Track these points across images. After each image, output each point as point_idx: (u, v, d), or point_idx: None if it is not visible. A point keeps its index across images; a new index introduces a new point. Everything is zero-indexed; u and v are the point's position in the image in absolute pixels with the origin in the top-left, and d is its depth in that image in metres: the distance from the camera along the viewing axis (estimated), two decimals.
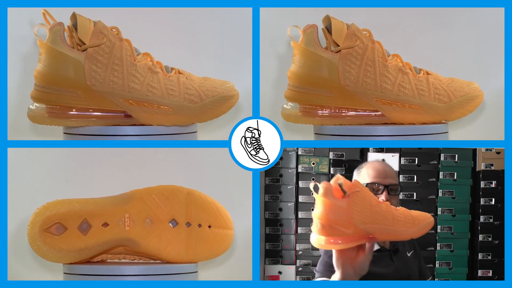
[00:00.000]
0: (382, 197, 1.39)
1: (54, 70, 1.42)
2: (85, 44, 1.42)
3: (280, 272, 2.03)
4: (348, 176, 1.27)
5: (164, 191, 1.48)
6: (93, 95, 1.42)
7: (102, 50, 1.41)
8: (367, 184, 1.40)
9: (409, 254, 1.46)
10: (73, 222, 1.44)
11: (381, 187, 1.39)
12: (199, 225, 1.48)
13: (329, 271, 1.32)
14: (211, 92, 1.45)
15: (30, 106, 1.46)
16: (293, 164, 2.02)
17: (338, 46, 1.46)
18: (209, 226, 1.49)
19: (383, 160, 1.97)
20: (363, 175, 1.42)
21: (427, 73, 1.50)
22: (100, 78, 1.41)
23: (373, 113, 1.50)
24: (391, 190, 1.40)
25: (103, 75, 1.41)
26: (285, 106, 1.52)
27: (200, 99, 1.45)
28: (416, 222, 1.17)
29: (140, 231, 1.46)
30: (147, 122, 1.44)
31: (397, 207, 1.18)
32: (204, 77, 1.49)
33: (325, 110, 1.50)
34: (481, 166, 2.02)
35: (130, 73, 1.42)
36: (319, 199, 1.12)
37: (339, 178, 1.14)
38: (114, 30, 1.44)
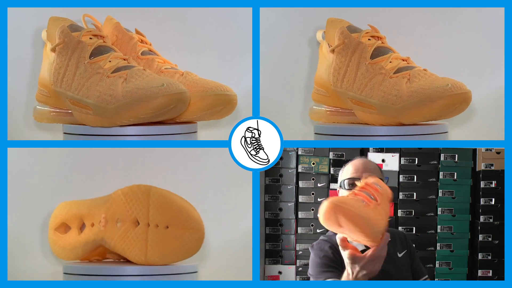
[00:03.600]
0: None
1: (41, 73, 1.49)
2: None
3: (280, 272, 2.03)
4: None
5: (130, 191, 1.47)
6: (54, 95, 1.46)
7: (60, 53, 1.44)
8: (346, 179, 1.37)
9: (400, 255, 1.44)
10: (75, 223, 1.53)
11: (358, 182, 1.35)
12: (156, 226, 1.45)
13: (322, 272, 1.32)
14: (130, 93, 1.38)
15: (37, 106, 1.52)
16: (293, 164, 2.02)
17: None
18: (167, 227, 1.45)
19: (383, 160, 1.97)
20: (345, 172, 1.40)
21: (409, 74, 1.44)
22: (56, 79, 1.45)
23: (351, 113, 1.51)
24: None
25: (58, 77, 1.44)
26: (314, 107, 1.54)
27: (116, 100, 1.38)
28: None
29: (111, 232, 1.47)
30: (80, 122, 1.44)
31: None
32: (160, 76, 1.42)
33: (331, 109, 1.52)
34: (481, 166, 2.02)
35: (77, 74, 1.43)
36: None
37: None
38: (75, 31, 1.45)
